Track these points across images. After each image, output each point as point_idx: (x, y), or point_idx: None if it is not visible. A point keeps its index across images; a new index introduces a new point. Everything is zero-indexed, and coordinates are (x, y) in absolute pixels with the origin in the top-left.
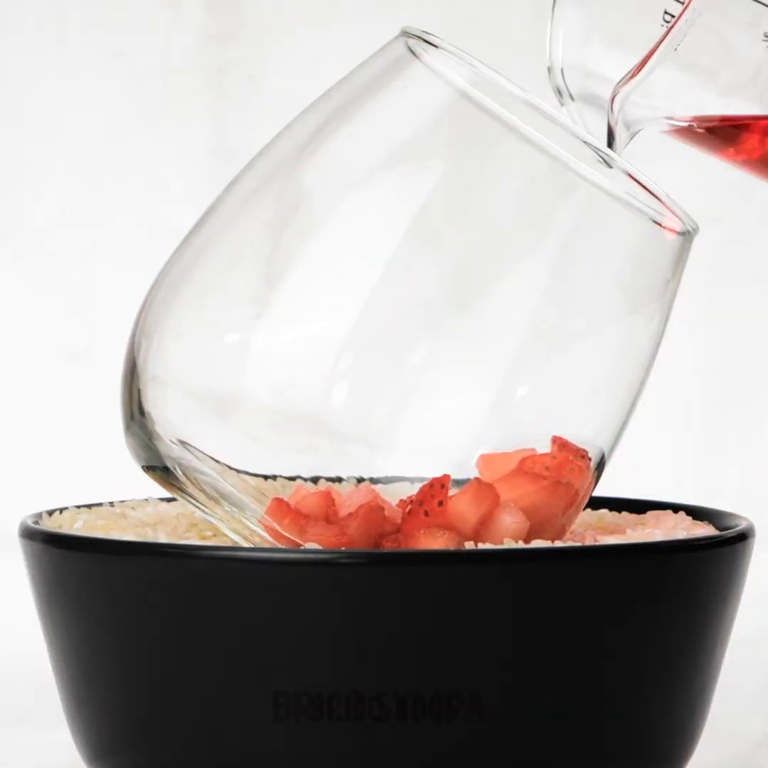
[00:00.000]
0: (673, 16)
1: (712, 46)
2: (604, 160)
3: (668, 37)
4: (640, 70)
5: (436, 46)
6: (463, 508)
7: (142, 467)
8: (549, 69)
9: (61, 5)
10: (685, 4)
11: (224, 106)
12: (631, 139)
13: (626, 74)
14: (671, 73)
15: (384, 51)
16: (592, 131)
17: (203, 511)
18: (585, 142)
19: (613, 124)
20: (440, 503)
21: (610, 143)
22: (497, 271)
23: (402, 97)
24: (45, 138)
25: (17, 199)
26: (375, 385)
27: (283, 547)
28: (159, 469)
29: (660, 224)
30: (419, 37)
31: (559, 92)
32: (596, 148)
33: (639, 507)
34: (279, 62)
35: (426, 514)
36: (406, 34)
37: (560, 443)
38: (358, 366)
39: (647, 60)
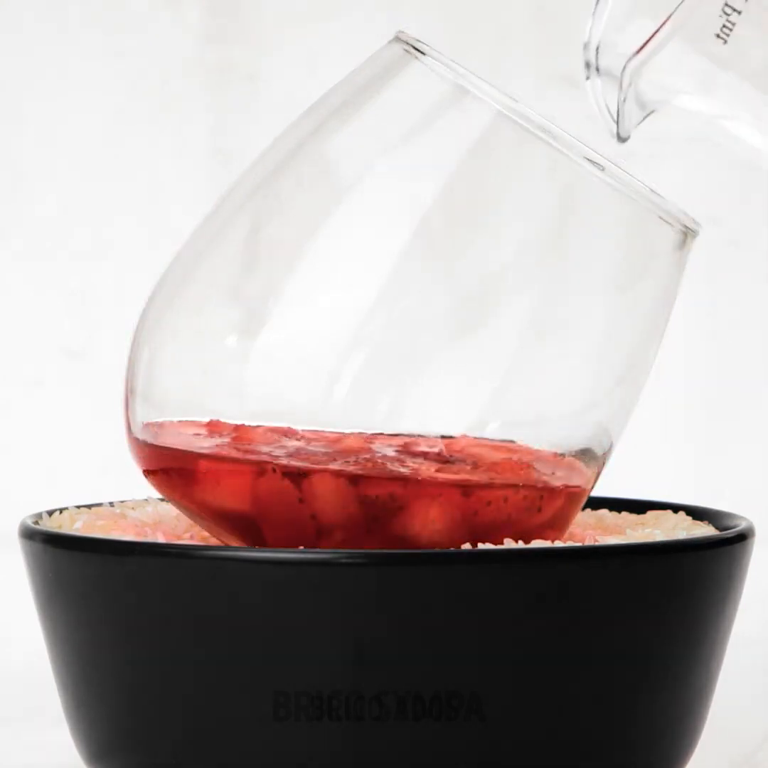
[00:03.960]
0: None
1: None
2: (598, 163)
3: (676, 13)
4: (647, 43)
5: (424, 54)
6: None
7: (144, 471)
8: (585, 44)
9: (61, 5)
10: None
11: (224, 106)
12: (644, 119)
13: (637, 47)
14: (684, 51)
15: (378, 55)
16: (610, 107)
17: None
18: (579, 144)
19: (620, 101)
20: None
21: (619, 120)
22: (496, 271)
23: (395, 102)
24: (45, 138)
25: (17, 199)
26: (374, 384)
27: (283, 547)
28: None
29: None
30: (410, 44)
31: (588, 66)
32: (590, 151)
33: (639, 507)
34: (279, 62)
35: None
36: (399, 40)
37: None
38: (357, 366)
39: (656, 34)
